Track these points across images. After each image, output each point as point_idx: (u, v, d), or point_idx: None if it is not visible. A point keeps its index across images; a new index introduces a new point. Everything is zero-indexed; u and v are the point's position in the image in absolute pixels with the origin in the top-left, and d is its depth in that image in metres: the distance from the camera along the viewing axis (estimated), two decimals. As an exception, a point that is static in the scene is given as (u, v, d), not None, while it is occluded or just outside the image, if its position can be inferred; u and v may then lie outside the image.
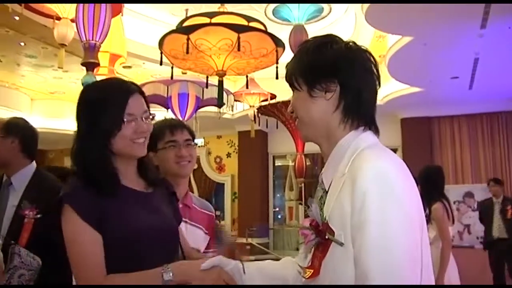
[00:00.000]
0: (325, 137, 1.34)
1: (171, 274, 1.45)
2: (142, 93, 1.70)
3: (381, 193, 1.11)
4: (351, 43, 1.34)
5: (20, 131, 2.62)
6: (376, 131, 1.33)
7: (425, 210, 4.36)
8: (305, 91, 1.33)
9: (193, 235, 2.24)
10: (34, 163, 2.68)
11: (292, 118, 6.35)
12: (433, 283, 1.25)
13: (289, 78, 1.39)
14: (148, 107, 1.70)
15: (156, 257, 1.55)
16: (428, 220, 4.32)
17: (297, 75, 1.36)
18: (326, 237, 1.22)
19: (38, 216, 2.36)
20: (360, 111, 1.30)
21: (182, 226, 2.07)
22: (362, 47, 1.35)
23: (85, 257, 1.50)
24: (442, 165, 8.30)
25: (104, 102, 1.60)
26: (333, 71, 1.29)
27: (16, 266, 2.18)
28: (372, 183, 1.12)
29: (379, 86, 1.34)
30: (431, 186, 4.44)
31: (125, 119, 1.59)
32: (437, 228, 4.29)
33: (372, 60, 1.33)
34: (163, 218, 1.69)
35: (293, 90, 1.38)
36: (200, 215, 2.40)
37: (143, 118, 1.65)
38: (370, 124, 1.31)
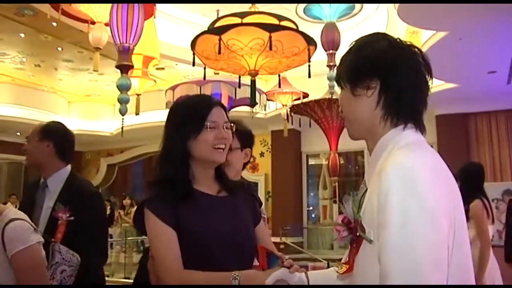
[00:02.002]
0: (369, 135, 1.34)
1: (238, 282, 1.57)
2: (223, 106, 1.88)
3: (403, 193, 1.10)
4: (397, 41, 1.34)
5: (55, 135, 2.71)
6: (421, 129, 1.31)
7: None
8: (348, 89, 1.35)
9: None
10: (69, 167, 2.76)
11: (325, 116, 6.32)
12: (473, 283, 1.22)
13: (336, 78, 1.42)
14: (228, 118, 1.86)
15: (229, 258, 1.69)
16: (466, 218, 4.20)
17: (342, 74, 1.38)
18: (357, 234, 1.24)
19: (71, 218, 2.45)
20: (400, 108, 1.29)
21: None
22: (410, 45, 1.34)
23: (163, 251, 1.67)
24: (480, 162, 8.11)
25: (190, 112, 1.80)
26: (373, 70, 1.30)
27: (58, 262, 2.28)
28: (395, 182, 1.11)
29: (431, 82, 1.34)
30: (470, 183, 4.31)
31: (208, 124, 1.76)
32: (476, 227, 4.16)
33: (420, 58, 1.33)
34: (236, 221, 1.81)
35: (340, 89, 1.41)
36: None
37: (224, 127, 1.81)
38: (412, 122, 1.30)
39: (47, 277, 2.17)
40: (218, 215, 1.77)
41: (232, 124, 1.86)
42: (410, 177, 1.11)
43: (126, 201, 11.84)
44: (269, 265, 1.64)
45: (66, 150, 2.75)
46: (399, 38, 1.35)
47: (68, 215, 2.44)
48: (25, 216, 2.14)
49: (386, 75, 1.28)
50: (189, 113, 1.80)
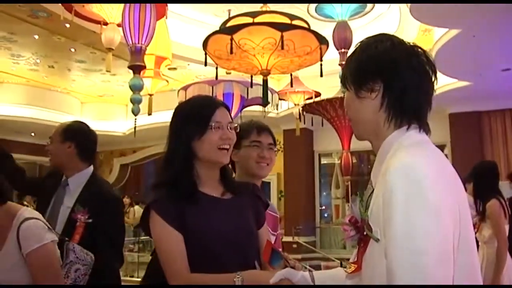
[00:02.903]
0: (374, 136, 1.36)
1: (241, 282, 1.58)
2: (226, 107, 1.89)
3: (407, 191, 1.11)
4: (400, 41, 1.34)
5: (76, 136, 2.71)
6: (425, 130, 1.32)
7: (479, 207, 4.21)
8: (353, 91, 1.36)
9: None
10: (91, 168, 2.77)
11: (337, 115, 6.29)
12: (480, 283, 1.22)
13: (341, 79, 1.44)
14: (232, 119, 1.88)
15: (232, 258, 1.70)
16: (483, 218, 4.16)
17: (347, 76, 1.39)
18: (365, 233, 1.25)
19: (90, 220, 2.46)
20: (404, 110, 1.30)
21: None
22: (413, 46, 1.34)
23: (169, 254, 1.70)
24: (494, 161, 8.02)
25: (195, 112, 1.81)
26: (376, 72, 1.31)
27: (72, 261, 2.29)
28: (399, 180, 1.12)
29: (435, 83, 1.33)
30: (485, 182, 4.26)
31: (212, 124, 1.77)
32: (493, 226, 4.10)
33: (424, 58, 1.32)
34: (239, 221, 1.82)
35: (346, 90, 1.43)
36: (266, 216, 2.47)
37: (229, 128, 1.82)
38: (416, 122, 1.31)
39: (62, 275, 2.19)
40: (222, 216, 1.78)
41: (236, 125, 1.87)
42: (413, 176, 1.12)
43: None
44: (271, 260, 1.66)
45: (88, 151, 2.76)
46: (402, 39, 1.36)
47: (86, 217, 2.45)
48: (40, 216, 2.16)
49: (388, 76, 1.30)
50: (194, 114, 1.81)
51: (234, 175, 2.40)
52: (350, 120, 1.43)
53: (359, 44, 1.39)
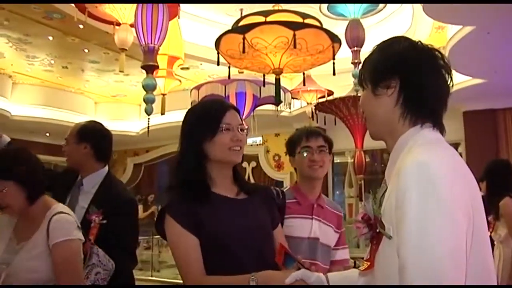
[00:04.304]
0: (388, 134, 1.37)
1: (256, 283, 1.60)
2: (236, 109, 1.92)
3: (421, 190, 1.11)
4: (418, 43, 1.37)
5: (92, 137, 2.71)
6: (439, 128, 1.33)
7: (492, 207, 4.16)
8: (369, 89, 1.38)
9: (325, 233, 2.48)
10: (106, 168, 2.77)
11: (350, 114, 6.27)
12: (493, 283, 1.22)
13: (359, 79, 1.46)
14: (242, 121, 1.90)
15: (249, 259, 1.72)
16: (497, 217, 4.12)
17: (364, 74, 1.42)
18: (377, 230, 1.26)
19: (104, 221, 2.47)
20: (419, 108, 1.31)
21: (315, 224, 2.38)
22: (431, 47, 1.36)
23: (184, 257, 1.72)
24: (509, 159, 7.93)
25: (205, 114, 1.84)
26: (393, 70, 1.33)
27: (94, 264, 2.33)
28: (413, 179, 1.13)
29: (451, 84, 1.35)
30: (498, 181, 4.22)
31: (223, 126, 1.80)
32: (507, 225, 4.07)
33: (441, 60, 1.34)
34: (254, 222, 1.84)
35: (362, 89, 1.45)
36: (330, 214, 2.57)
37: (239, 129, 1.84)
38: (430, 121, 1.32)
39: (82, 274, 2.21)
40: (237, 217, 1.80)
41: (246, 127, 1.90)
42: (427, 175, 1.12)
43: (150, 197, 11.49)
44: (285, 263, 1.68)
45: (104, 151, 2.77)
46: (420, 41, 1.38)
47: (100, 218, 2.46)
48: (72, 213, 2.21)
49: (405, 73, 1.32)
50: (204, 116, 1.83)
51: (297, 179, 2.56)
52: (365, 118, 1.44)
53: (378, 45, 1.41)
